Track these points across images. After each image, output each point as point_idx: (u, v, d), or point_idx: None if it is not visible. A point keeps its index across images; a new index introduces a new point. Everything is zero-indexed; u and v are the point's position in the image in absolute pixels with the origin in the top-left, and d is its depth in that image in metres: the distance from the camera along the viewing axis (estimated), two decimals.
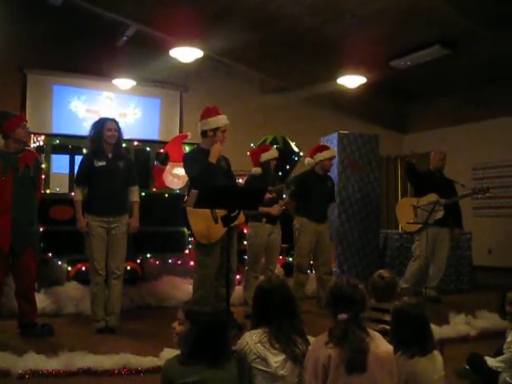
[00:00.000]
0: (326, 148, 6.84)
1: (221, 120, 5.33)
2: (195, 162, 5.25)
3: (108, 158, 5.32)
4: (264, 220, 6.12)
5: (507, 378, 3.50)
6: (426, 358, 3.01)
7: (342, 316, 2.68)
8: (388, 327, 3.19)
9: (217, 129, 5.30)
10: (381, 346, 2.70)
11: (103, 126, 5.31)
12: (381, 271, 3.80)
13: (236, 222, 5.28)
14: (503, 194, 11.05)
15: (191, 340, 2.67)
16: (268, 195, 5.76)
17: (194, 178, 5.16)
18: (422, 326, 3.07)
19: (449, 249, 7.42)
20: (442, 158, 7.45)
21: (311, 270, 6.91)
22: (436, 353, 3.08)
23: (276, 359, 2.75)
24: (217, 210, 5.02)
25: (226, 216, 4.54)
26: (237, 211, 5.12)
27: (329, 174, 6.98)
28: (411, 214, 6.82)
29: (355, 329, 2.66)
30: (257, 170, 6.28)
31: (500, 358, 3.66)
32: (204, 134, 5.36)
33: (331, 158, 6.75)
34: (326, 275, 6.54)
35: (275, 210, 6.04)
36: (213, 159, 5.21)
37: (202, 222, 5.11)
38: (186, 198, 5.09)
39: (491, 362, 3.74)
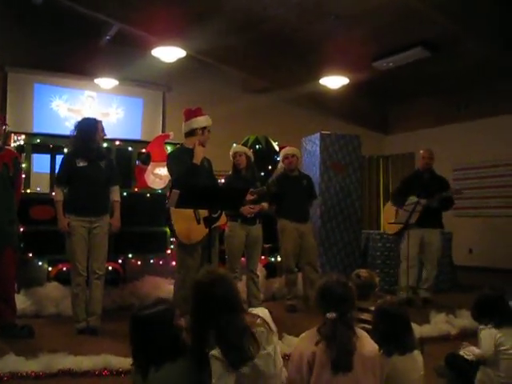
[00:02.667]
0: (283, 148, 6.94)
1: (208, 119, 5.48)
2: (179, 161, 5.27)
3: (90, 158, 5.28)
4: (239, 220, 6.10)
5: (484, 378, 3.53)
6: (406, 356, 3.02)
7: (331, 315, 2.68)
8: (367, 326, 3.20)
9: (205, 128, 5.42)
10: (366, 345, 2.70)
11: (96, 126, 5.33)
12: (359, 270, 3.83)
13: (218, 223, 5.31)
14: (483, 195, 11.15)
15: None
16: (249, 196, 5.78)
17: (177, 178, 5.17)
18: (402, 325, 3.09)
19: (439, 249, 7.25)
20: (425, 157, 7.25)
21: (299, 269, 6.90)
22: (416, 352, 3.09)
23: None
24: (199, 211, 5.03)
25: (207, 217, 4.56)
26: (219, 212, 5.15)
27: (306, 172, 7.17)
28: (394, 218, 6.96)
29: (343, 328, 2.66)
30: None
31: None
32: (192, 132, 5.43)
33: (287, 157, 6.78)
34: (312, 274, 6.57)
35: (244, 210, 5.96)
36: (197, 160, 5.25)
37: (185, 223, 5.13)
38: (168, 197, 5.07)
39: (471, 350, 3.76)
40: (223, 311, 2.55)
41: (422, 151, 7.41)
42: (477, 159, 11.25)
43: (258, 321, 2.64)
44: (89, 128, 5.30)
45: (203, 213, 4.91)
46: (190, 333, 2.64)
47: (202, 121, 5.42)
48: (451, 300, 6.91)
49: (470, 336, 4.20)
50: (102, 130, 5.39)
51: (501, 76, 10.23)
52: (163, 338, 2.58)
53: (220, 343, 2.50)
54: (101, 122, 5.45)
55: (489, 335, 3.54)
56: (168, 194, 5.38)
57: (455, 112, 11.55)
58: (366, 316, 3.41)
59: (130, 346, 2.63)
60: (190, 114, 5.45)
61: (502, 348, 3.49)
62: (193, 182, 4.96)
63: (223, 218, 5.53)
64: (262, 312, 2.74)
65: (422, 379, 3.06)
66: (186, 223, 5.12)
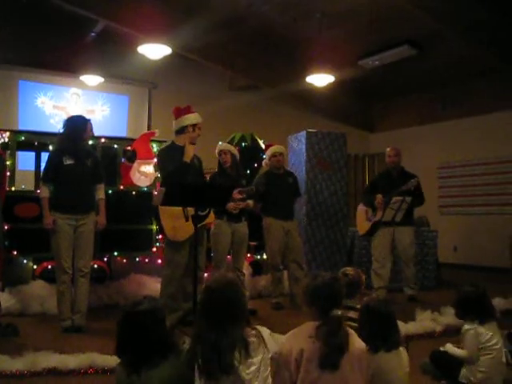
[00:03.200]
0: (270, 146, 6.94)
1: (198, 117, 5.50)
2: (169, 159, 5.28)
3: (77, 156, 5.26)
4: (225, 217, 6.10)
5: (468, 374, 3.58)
6: (392, 353, 3.04)
7: (337, 312, 2.69)
8: (353, 324, 3.22)
9: (195, 125, 5.43)
10: (355, 343, 2.72)
11: (86, 125, 5.33)
12: (345, 268, 3.84)
13: (206, 221, 5.32)
14: (468, 193, 11.23)
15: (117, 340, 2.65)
16: (237, 195, 5.80)
17: (167, 176, 5.18)
18: (389, 322, 3.10)
19: (412, 246, 7.01)
20: (390, 155, 7.10)
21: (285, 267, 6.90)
22: (402, 349, 3.12)
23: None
24: (188, 208, 5.04)
25: (195, 215, 4.57)
26: (207, 210, 5.15)
27: (291, 170, 7.24)
28: (364, 217, 7.05)
29: (342, 326, 2.70)
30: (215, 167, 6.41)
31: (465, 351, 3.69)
32: (182, 130, 5.44)
33: (275, 155, 6.80)
34: (298, 272, 6.59)
35: (229, 206, 5.94)
36: (187, 158, 5.29)
37: (173, 220, 5.15)
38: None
39: (453, 350, 3.80)
40: (227, 319, 2.58)
41: (387, 149, 7.25)
42: (461, 157, 11.32)
43: (254, 332, 2.64)
44: (78, 126, 5.29)
45: (192, 210, 4.91)
46: (193, 333, 2.65)
47: (192, 118, 5.44)
48: (436, 297, 6.95)
49: (455, 333, 4.23)
50: (91, 129, 5.38)
51: (484, 75, 10.30)
52: (157, 335, 2.60)
53: (209, 349, 2.51)
54: (90, 120, 5.43)
55: (474, 337, 3.57)
56: (155, 191, 5.39)
57: (440, 110, 11.60)
58: (352, 314, 3.43)
59: (118, 343, 2.61)
60: (181, 112, 5.47)
61: (488, 344, 3.53)
62: (182, 180, 4.97)
63: (212, 217, 5.53)
64: (264, 330, 2.74)
65: (407, 376, 3.09)
66: (175, 220, 5.13)
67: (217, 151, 6.30)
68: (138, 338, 2.56)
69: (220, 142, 6.65)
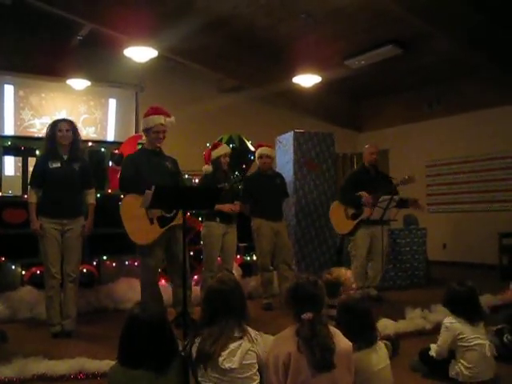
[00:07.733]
0: (260, 147, 6.93)
1: (155, 119, 5.33)
2: (130, 163, 5.30)
3: (63, 159, 5.23)
4: (218, 219, 6.10)
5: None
6: (368, 350, 3.04)
7: (308, 315, 2.68)
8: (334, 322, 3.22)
9: (149, 129, 5.32)
10: (341, 342, 2.72)
11: (56, 126, 5.24)
12: (332, 268, 3.86)
13: (174, 223, 5.18)
14: (456, 190, 11.28)
15: (120, 343, 2.68)
16: (236, 208, 6.00)
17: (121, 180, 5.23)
18: (365, 319, 3.11)
19: (386, 246, 6.95)
20: (373, 152, 7.08)
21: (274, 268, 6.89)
22: (379, 343, 3.11)
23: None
24: (153, 211, 4.96)
25: (162, 216, 4.54)
26: (174, 212, 5.06)
27: (279, 170, 7.31)
28: (344, 216, 7.00)
29: (321, 327, 2.68)
30: (207, 169, 6.32)
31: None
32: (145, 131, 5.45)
33: (262, 157, 6.79)
34: (287, 272, 6.59)
35: (226, 207, 6.00)
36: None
37: (137, 223, 5.06)
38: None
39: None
40: (227, 315, 2.73)
41: (368, 146, 7.23)
42: (449, 155, 11.38)
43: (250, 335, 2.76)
44: (51, 128, 5.26)
45: (156, 212, 4.88)
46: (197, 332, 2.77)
47: (145, 122, 5.39)
48: (426, 295, 6.97)
49: None
50: (66, 129, 5.22)
51: (471, 73, 10.35)
52: (170, 337, 2.69)
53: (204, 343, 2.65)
54: (67, 121, 5.35)
55: (448, 332, 3.66)
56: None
57: (427, 109, 11.66)
58: (332, 312, 3.44)
59: (132, 349, 2.63)
60: (146, 113, 5.43)
61: (472, 343, 3.60)
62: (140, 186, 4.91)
63: (180, 218, 5.47)
64: (263, 338, 2.87)
65: (387, 370, 3.07)
66: (137, 223, 5.05)
67: (221, 153, 6.24)
68: (156, 341, 2.61)
69: (208, 144, 6.62)
